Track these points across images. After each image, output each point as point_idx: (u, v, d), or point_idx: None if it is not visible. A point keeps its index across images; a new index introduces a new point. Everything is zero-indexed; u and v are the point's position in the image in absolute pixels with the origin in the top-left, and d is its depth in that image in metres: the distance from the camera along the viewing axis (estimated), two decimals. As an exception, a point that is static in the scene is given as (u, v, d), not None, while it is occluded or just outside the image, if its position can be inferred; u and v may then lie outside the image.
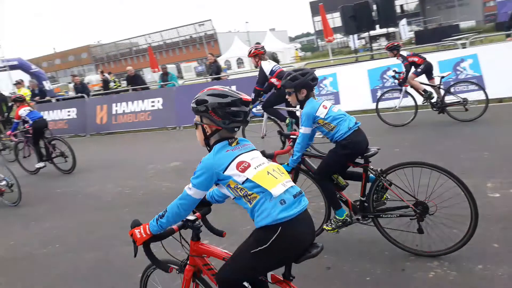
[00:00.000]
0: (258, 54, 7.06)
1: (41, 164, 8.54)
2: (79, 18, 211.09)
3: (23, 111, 8.38)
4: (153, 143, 10.84)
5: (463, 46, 9.42)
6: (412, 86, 7.96)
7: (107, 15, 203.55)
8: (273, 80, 6.82)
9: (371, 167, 3.52)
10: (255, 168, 2.05)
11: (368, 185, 3.58)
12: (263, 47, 7.29)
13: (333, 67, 11.06)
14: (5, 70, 20.36)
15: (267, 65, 6.95)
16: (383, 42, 9.59)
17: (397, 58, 7.93)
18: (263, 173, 2.04)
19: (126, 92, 14.89)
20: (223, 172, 2.04)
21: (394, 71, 8.33)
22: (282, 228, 1.95)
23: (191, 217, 2.27)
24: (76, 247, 4.69)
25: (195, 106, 2.17)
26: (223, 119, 2.11)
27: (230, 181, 2.03)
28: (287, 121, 7.04)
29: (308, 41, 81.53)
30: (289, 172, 3.68)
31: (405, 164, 3.41)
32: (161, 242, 2.26)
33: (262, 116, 7.42)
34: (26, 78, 18.71)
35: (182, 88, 13.03)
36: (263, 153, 3.61)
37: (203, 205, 2.44)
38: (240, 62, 47.23)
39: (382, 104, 8.49)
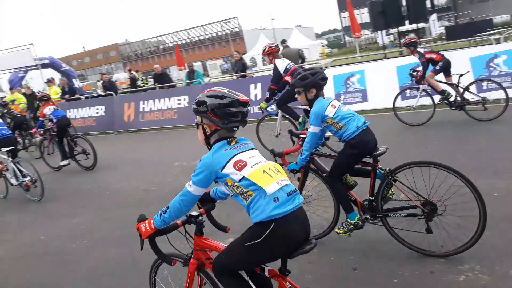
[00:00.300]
0: (271, 52, 7.10)
1: (65, 162, 8.79)
2: (108, 17, 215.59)
3: (48, 110, 8.68)
4: (179, 141, 10.93)
5: (497, 41, 9.04)
6: (429, 85, 7.76)
7: (135, 13, 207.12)
8: (288, 78, 6.78)
9: (380, 166, 3.52)
10: (251, 167, 2.13)
11: (377, 184, 3.57)
12: (277, 45, 7.32)
13: (360, 64, 10.83)
14: (37, 68, 20.91)
15: (281, 63, 6.97)
16: (413, 39, 9.42)
17: (414, 55, 7.75)
18: (259, 171, 2.12)
19: (153, 90, 15.08)
20: (221, 171, 2.13)
21: (411, 69, 8.13)
22: (275, 224, 2.04)
23: (194, 213, 2.36)
24: (103, 243, 4.77)
25: (196, 107, 2.28)
26: (221, 120, 2.21)
27: (228, 179, 2.13)
28: (300, 119, 6.99)
29: (335, 37, 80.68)
30: (297, 171, 3.76)
31: (413, 164, 3.40)
32: (167, 236, 2.36)
33: (277, 114, 7.42)
34: (56, 76, 19.21)
35: (208, 86, 13.07)
36: (273, 152, 3.86)
37: (208, 201, 2.54)
38: (265, 59, 47.09)
39: (400, 103, 8.36)
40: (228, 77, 20.27)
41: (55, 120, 8.60)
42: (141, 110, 13.51)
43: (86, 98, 16.60)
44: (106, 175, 8.11)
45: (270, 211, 2.05)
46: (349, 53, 33.93)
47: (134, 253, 4.23)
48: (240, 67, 13.07)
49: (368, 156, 3.55)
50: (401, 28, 20.54)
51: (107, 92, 15.02)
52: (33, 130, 9.86)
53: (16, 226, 6.11)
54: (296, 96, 3.86)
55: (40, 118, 9.03)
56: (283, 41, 13.76)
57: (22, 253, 5.02)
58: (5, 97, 16.74)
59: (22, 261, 4.80)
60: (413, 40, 7.87)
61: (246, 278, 2.26)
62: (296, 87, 3.75)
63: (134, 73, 18.16)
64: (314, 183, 4.05)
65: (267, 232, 2.05)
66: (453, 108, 7.62)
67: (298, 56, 12.98)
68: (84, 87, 31.86)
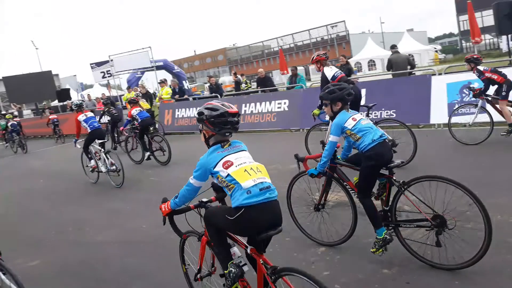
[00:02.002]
0: (319, 60, 7.27)
1: (147, 154, 9.91)
2: (218, 22, 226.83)
3: (135, 111, 10.02)
4: (277, 144, 10.86)
5: None
6: (500, 111, 7.25)
7: (244, 19, 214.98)
8: None
9: (394, 178, 3.72)
10: (236, 166, 2.71)
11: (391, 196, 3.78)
12: (325, 53, 7.49)
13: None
14: (152, 70, 22.57)
15: (329, 71, 7.09)
16: (475, 55, 8.37)
17: (473, 72, 7.58)
18: (241, 170, 2.69)
19: (255, 93, 15.28)
20: (213, 169, 2.75)
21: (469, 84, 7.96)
22: (244, 210, 2.61)
23: (205, 199, 3.03)
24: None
25: (197, 116, 2.90)
26: (215, 127, 2.81)
27: (218, 175, 2.74)
28: None
29: (450, 42, 75.03)
30: (316, 176, 4.11)
31: (424, 178, 3.57)
32: (185, 218, 3.06)
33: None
34: (168, 77, 20.55)
35: (309, 91, 12.86)
36: (296, 156, 4.29)
37: (221, 191, 3.08)
38: (371, 64, 45.38)
39: (457, 119, 8.02)
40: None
41: (139, 120, 9.81)
42: (242, 112, 13.77)
43: (194, 99, 17.46)
44: (180, 172, 8.28)
45: (242, 200, 2.61)
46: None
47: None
48: (346, 71, 12.58)
49: (384, 168, 3.76)
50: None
51: (213, 94, 15.60)
52: (121, 128, 11.39)
53: (123, 214, 6.58)
54: (323, 107, 4.18)
55: (128, 118, 10.38)
56: (393, 46, 12.99)
57: (127, 239, 5.40)
58: (122, 95, 18.31)
59: (126, 246, 5.16)
60: (475, 57, 7.73)
61: (229, 241, 2.96)
62: (324, 99, 4.08)
63: (239, 76, 18.65)
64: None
65: (237, 215, 2.63)
66: None
67: (407, 63, 12.13)
68: (193, 88, 33.78)
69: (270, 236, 2.69)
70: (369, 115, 7.23)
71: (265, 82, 14.96)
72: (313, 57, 7.44)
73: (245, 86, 18.01)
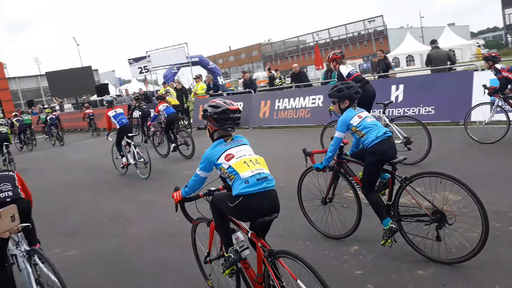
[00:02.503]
0: (335, 58, 7.52)
1: (173, 146, 10.37)
2: (253, 17, 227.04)
3: (162, 107, 10.50)
4: (310, 140, 10.67)
5: None
6: None
7: (279, 14, 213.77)
8: None
9: (397, 174, 3.87)
10: (236, 159, 2.96)
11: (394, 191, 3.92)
12: (341, 52, 7.73)
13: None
14: (188, 65, 22.85)
15: (345, 69, 7.30)
16: (494, 53, 8.33)
17: (491, 70, 7.54)
18: (241, 162, 2.94)
19: (289, 88, 15.16)
20: (217, 161, 3.01)
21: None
22: (243, 198, 2.86)
23: (212, 188, 3.30)
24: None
25: (202, 113, 3.18)
26: (217, 123, 3.07)
27: (221, 167, 3.00)
28: None
29: (494, 36, 71.85)
30: (321, 170, 4.32)
31: (425, 174, 3.76)
32: (196, 205, 3.41)
33: None
34: (203, 73, 20.72)
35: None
36: (304, 151, 4.49)
37: (226, 181, 3.18)
38: (410, 59, 44.11)
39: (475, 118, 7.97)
40: (366, 77, 19.36)
41: (166, 115, 10.29)
42: (276, 107, 13.71)
43: (228, 94, 17.54)
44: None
45: (241, 189, 2.87)
46: (511, 55, 29.72)
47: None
48: (384, 66, 12.28)
49: (388, 164, 3.90)
50: None
51: (247, 90, 15.61)
52: (148, 123, 12.10)
53: (156, 206, 6.68)
54: (332, 105, 4.41)
55: (155, 113, 10.91)
56: (433, 41, 12.52)
57: (160, 231, 5.49)
58: (159, 90, 18.62)
59: (159, 239, 5.25)
60: (493, 55, 7.71)
61: (233, 227, 3.21)
62: (332, 97, 4.27)
63: (273, 72, 18.57)
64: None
65: (236, 202, 2.89)
66: None
67: (447, 58, 11.67)
68: (227, 84, 33.95)
69: (266, 221, 2.94)
70: (385, 112, 7.18)
71: (299, 77, 14.82)
72: (329, 55, 7.72)
73: (279, 82, 17.92)
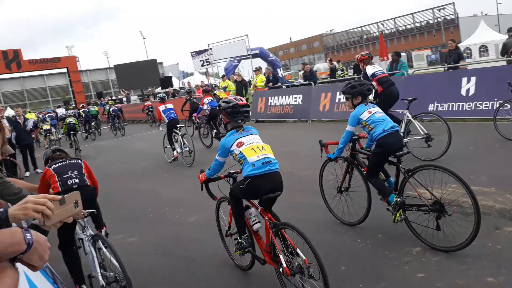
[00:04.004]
0: (363, 59, 8.01)
1: (215, 131, 11.15)
2: (315, 8, 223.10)
3: (206, 100, 11.66)
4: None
5: None
6: None
7: (342, 3, 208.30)
8: (374, 83, 7.41)
9: (401, 166, 4.17)
10: (246, 145, 3.52)
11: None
12: (368, 53, 8.20)
13: None
14: (248, 58, 22.98)
15: (370, 70, 7.66)
16: None
17: None
18: (249, 148, 3.50)
19: (352, 80, 14.72)
20: (230, 148, 3.58)
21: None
22: (250, 179, 3.42)
23: (232, 171, 3.87)
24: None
25: (218, 107, 3.87)
26: (229, 116, 3.68)
27: (233, 153, 3.56)
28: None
29: None
30: (333, 160, 4.74)
31: (426, 167, 4.02)
32: (218, 186, 3.96)
33: None
34: (263, 65, 20.72)
35: (411, 78, 12.03)
36: (320, 142, 4.85)
37: None
38: (483, 49, 41.14)
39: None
40: (434, 69, 18.38)
41: (210, 108, 11.32)
42: (337, 100, 13.35)
43: (287, 86, 17.39)
44: (283, 159, 8.19)
45: (248, 171, 3.43)
46: None
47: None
48: (455, 57, 11.52)
49: (393, 156, 4.20)
50: None
51: (307, 82, 15.39)
52: (194, 115, 13.03)
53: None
54: (345, 101, 4.77)
55: (200, 106, 12.01)
56: (510, 29, 11.57)
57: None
58: (217, 85, 18.91)
59: (216, 229, 5.22)
60: None
61: (247, 204, 3.77)
62: (345, 94, 4.61)
63: (334, 63, 18.18)
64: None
65: (245, 183, 3.45)
66: None
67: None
68: (287, 76, 33.76)
69: (271, 198, 3.50)
70: (409, 108, 7.23)
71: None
72: (357, 56, 8.29)
73: (341, 73, 17.50)
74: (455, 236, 3.80)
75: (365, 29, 70.26)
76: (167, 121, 10.02)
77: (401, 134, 6.63)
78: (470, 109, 9.41)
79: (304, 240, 3.09)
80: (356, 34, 71.95)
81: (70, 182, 3.85)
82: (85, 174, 4.02)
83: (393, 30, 65.09)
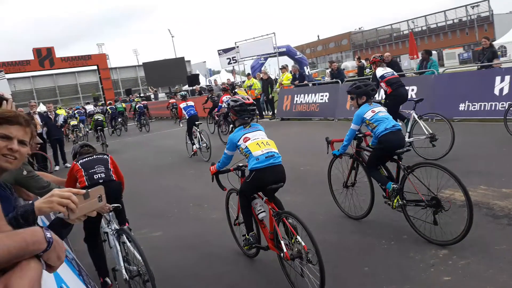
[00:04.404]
0: (375, 61, 8.36)
1: (231, 126, 10.55)
2: (344, 5, 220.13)
3: (225, 98, 11.82)
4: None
5: None
6: None
7: (371, 1, 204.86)
8: (382, 84, 7.83)
9: (401, 163, 4.36)
10: (251, 141, 3.83)
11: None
12: (380, 56, 8.71)
13: None
14: (275, 56, 22.90)
15: (380, 72, 7.97)
16: None
17: None
18: (254, 143, 3.81)
19: (379, 78, 14.46)
20: (237, 142, 3.90)
21: None
22: (255, 172, 3.75)
23: (240, 164, 4.19)
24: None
25: (227, 106, 4.37)
26: (237, 113, 4.02)
27: (240, 147, 3.88)
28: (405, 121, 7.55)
29: None
30: (338, 156, 5.01)
31: (423, 164, 4.25)
32: (228, 178, 4.28)
33: None
34: (290, 63, 20.61)
35: (441, 77, 11.71)
36: (326, 139, 5.07)
37: None
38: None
39: None
40: (466, 67, 17.85)
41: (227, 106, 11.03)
42: (364, 99, 13.15)
43: (314, 84, 17.25)
44: (294, 156, 8.12)
45: (253, 165, 3.74)
46: None
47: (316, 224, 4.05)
48: (489, 55, 11.13)
49: (394, 154, 4.38)
50: None
51: (334, 80, 15.21)
52: (215, 110, 13.27)
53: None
54: (350, 100, 4.94)
55: (220, 104, 12.34)
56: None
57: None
58: (237, 83, 18.91)
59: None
60: None
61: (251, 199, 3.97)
62: (351, 94, 4.80)
63: (362, 61, 17.90)
64: None
65: (251, 176, 3.79)
66: None
67: None
68: (313, 74, 33.51)
69: (273, 189, 3.77)
70: (415, 108, 7.38)
71: (391, 67, 13.97)
72: (370, 59, 8.67)
73: (369, 71, 17.19)
74: (451, 232, 3.89)
75: (395, 27, 68.87)
76: (187, 117, 10.57)
77: (407, 133, 7.14)
78: (503, 108, 9.07)
79: (303, 228, 3.36)
80: (386, 32, 70.62)
81: (96, 176, 3.92)
82: (111, 169, 4.09)
83: (424, 28, 63.55)
